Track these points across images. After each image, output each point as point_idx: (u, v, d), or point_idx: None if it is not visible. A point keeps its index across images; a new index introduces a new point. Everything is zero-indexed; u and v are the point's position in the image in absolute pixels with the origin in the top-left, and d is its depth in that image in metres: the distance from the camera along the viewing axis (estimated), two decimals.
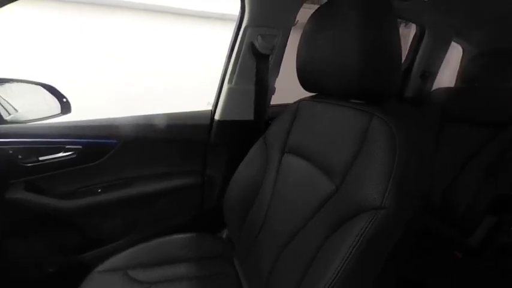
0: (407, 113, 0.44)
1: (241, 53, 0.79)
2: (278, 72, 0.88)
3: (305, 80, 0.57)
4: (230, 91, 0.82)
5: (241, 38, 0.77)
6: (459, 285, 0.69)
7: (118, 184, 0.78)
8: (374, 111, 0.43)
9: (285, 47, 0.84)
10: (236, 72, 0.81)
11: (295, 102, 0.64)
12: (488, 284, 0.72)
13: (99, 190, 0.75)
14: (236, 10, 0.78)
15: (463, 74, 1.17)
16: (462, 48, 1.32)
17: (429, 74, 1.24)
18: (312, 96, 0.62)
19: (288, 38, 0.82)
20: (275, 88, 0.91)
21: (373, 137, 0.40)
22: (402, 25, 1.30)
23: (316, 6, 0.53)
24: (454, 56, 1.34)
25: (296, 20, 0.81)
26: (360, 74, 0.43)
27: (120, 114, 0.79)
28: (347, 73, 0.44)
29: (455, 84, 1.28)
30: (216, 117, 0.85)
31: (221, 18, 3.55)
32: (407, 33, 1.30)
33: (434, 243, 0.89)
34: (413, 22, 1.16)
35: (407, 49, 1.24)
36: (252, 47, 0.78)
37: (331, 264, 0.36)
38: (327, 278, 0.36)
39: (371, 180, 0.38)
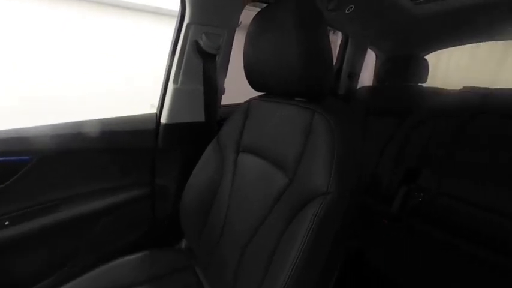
0: (341, 109, 0.51)
1: (186, 51, 0.75)
2: (226, 73, 0.88)
3: (253, 80, 0.59)
4: (176, 92, 0.77)
5: (185, 35, 0.73)
6: (388, 247, 0.86)
7: (37, 210, 0.62)
8: (315, 108, 0.48)
9: (231, 47, 0.85)
10: (182, 72, 0.77)
11: (245, 102, 0.66)
12: (405, 241, 0.92)
13: (6, 223, 0.59)
14: (171, 5, 0.73)
15: (377, 75, 1.45)
16: (375, 54, 1.62)
17: (354, 74, 1.47)
18: (261, 96, 0.65)
19: (233, 38, 0.83)
20: (225, 88, 0.91)
21: (316, 132, 0.45)
22: (331, 32, 1.50)
23: (258, 9, 0.55)
24: (372, 60, 1.63)
25: (240, 21, 0.82)
26: (300, 74, 0.47)
27: (36, 122, 0.63)
28: (290, 74, 0.48)
29: (373, 83, 1.57)
30: (163, 120, 0.78)
31: (156, 12, 3.25)
32: (336, 40, 1.51)
33: (368, 215, 1.07)
34: (339, 30, 1.35)
35: (337, 53, 1.44)
36: (197, 46, 0.75)
37: (290, 253, 0.39)
38: (287, 268, 0.38)
39: (317, 169, 0.42)
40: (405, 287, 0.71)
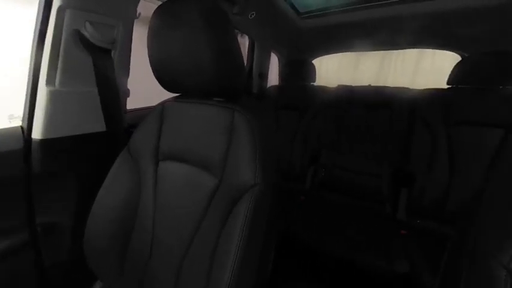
0: (256, 106, 0.55)
1: (62, 43, 0.58)
2: (128, 72, 0.75)
3: (165, 81, 0.54)
4: (54, 96, 0.59)
5: (57, 22, 0.56)
6: (307, 219, 1.04)
7: None
8: (234, 107, 0.50)
9: (131, 41, 0.73)
10: (59, 70, 0.59)
11: (158, 105, 0.59)
12: (318, 210, 1.15)
13: None
14: None
15: (281, 76, 1.68)
16: (277, 57, 1.86)
17: (263, 75, 1.64)
18: (176, 97, 0.60)
19: (131, 31, 0.72)
20: (129, 90, 0.77)
21: (238, 130, 0.47)
22: (239, 35, 1.59)
23: (159, 2, 0.50)
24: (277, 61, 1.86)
25: (138, 13, 0.72)
26: (217, 74, 0.47)
27: None
28: (206, 74, 0.47)
29: (279, 82, 1.81)
30: (36, 135, 0.58)
31: None
32: (244, 42, 1.61)
33: (289, 196, 1.25)
34: (245, 34, 1.45)
35: (247, 54, 1.55)
36: (81, 37, 0.59)
37: (229, 253, 0.39)
38: (229, 267, 0.39)
39: (244, 165, 0.45)
40: (325, 251, 0.88)
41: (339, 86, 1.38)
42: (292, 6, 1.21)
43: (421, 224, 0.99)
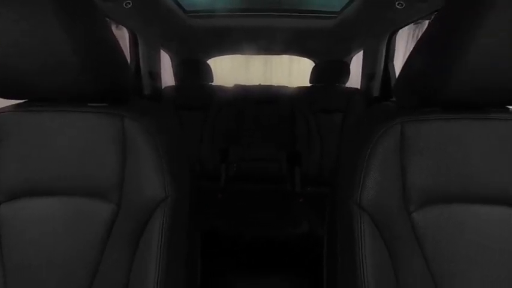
0: (152, 109, 0.49)
1: None
2: None
3: (3, 84, 0.36)
4: None
5: None
6: (224, 214, 1.08)
7: None
8: (123, 112, 0.41)
9: None
10: None
11: None
12: (235, 203, 1.23)
13: None
14: None
15: (176, 75, 1.58)
16: (169, 56, 1.72)
17: (155, 74, 1.46)
18: (17, 105, 0.41)
19: None
20: None
21: (132, 140, 0.40)
22: (113, 26, 1.32)
23: None
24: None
25: None
26: (88, 72, 0.36)
27: None
28: (68, 72, 0.35)
29: (175, 82, 1.69)
30: None
31: None
32: (122, 35, 1.36)
33: (206, 196, 1.25)
34: (122, 25, 1.23)
35: (129, 50, 1.32)
36: None
37: (148, 276, 0.35)
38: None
39: (150, 179, 0.39)
40: (244, 236, 0.96)
41: (235, 85, 1.50)
42: (176, 2, 1.15)
43: (311, 190, 1.29)
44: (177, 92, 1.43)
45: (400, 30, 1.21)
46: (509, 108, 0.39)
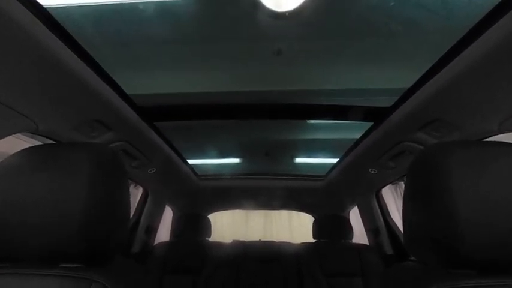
0: (132, 271, 0.42)
1: None
2: None
3: None
4: None
5: None
6: None
7: None
8: (93, 276, 0.36)
9: None
10: None
11: None
12: None
13: None
14: None
15: (174, 231, 1.53)
16: (172, 210, 1.80)
17: (152, 229, 1.43)
18: None
19: None
20: None
21: None
22: (132, 185, 1.52)
23: (37, 142, 0.44)
24: (170, 214, 1.75)
25: None
26: (83, 228, 0.36)
27: None
28: (63, 228, 0.35)
29: (170, 238, 1.59)
30: None
31: None
32: (137, 193, 1.52)
33: None
34: (140, 185, 1.42)
35: (136, 205, 1.40)
36: None
37: None
38: None
39: None
40: None
41: (233, 241, 1.40)
42: (192, 170, 1.42)
43: None
44: (169, 249, 1.32)
45: (384, 190, 1.36)
46: None
